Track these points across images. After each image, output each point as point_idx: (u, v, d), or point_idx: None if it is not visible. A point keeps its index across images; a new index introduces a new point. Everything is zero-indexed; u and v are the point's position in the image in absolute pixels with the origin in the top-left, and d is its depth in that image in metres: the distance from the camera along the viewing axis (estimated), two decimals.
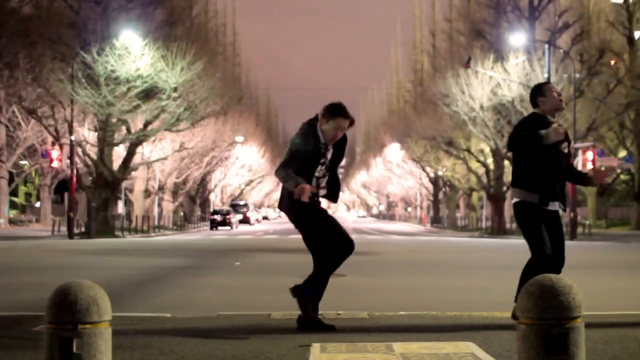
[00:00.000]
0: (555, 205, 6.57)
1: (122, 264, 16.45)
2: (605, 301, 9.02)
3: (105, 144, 36.66)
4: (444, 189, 70.61)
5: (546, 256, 6.51)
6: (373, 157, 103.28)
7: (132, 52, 34.94)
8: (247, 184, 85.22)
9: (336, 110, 6.46)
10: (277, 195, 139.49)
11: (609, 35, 44.15)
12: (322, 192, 6.59)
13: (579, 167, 34.87)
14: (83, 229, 37.48)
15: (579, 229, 37.21)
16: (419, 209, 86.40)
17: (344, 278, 12.43)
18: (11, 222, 52.63)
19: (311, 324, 6.44)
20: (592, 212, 55.68)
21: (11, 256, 19.42)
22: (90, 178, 40.51)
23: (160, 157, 44.59)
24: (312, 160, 6.45)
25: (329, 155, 6.56)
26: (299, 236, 6.65)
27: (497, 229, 42.43)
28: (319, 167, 6.50)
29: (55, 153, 34.37)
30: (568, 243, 25.85)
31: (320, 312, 7.67)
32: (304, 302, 6.47)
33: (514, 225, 45.73)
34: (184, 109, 36.65)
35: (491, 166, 45.01)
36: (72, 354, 4.11)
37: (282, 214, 6.89)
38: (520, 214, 6.64)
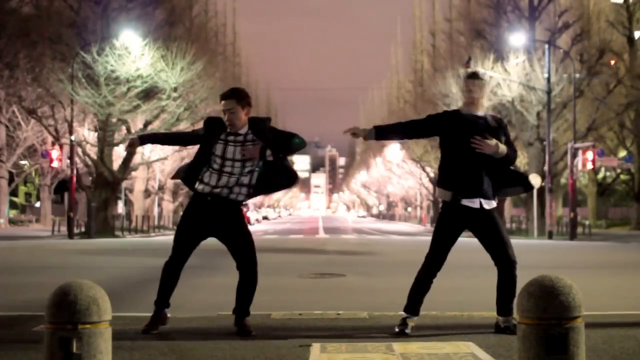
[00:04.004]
0: (475, 202, 6.29)
1: (122, 264, 16.44)
2: (605, 301, 9.01)
3: (105, 144, 36.65)
4: None
5: (430, 261, 6.35)
6: (373, 157, 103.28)
7: (132, 52, 34.93)
8: None
9: (219, 99, 6.51)
10: (277, 195, 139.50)
11: (609, 35, 44.11)
12: (241, 190, 6.38)
13: (579, 167, 34.86)
14: (83, 229, 37.48)
15: (579, 229, 37.20)
16: (419, 209, 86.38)
17: (344, 278, 12.42)
18: (11, 222, 52.63)
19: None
20: (592, 212, 55.67)
21: (11, 256, 19.42)
22: (90, 178, 40.51)
23: (160, 157, 44.59)
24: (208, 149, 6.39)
25: (240, 139, 6.35)
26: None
27: None
28: (228, 150, 6.32)
29: (55, 153, 34.36)
30: (568, 243, 25.69)
31: (320, 312, 7.68)
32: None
33: (514, 224, 45.74)
34: (184, 109, 36.66)
35: None
36: (72, 354, 4.11)
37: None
38: (439, 213, 6.50)
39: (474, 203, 6.30)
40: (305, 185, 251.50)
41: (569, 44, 41.03)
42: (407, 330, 6.24)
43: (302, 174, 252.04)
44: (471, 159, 6.29)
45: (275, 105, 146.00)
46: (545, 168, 36.42)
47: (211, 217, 6.35)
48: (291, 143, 6.33)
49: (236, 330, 6.33)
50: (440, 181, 6.46)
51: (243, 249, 6.37)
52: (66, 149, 34.47)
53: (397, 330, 6.27)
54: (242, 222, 6.43)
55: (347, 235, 41.14)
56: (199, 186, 6.38)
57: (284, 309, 7.89)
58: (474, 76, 6.53)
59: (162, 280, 6.47)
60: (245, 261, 6.38)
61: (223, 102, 6.36)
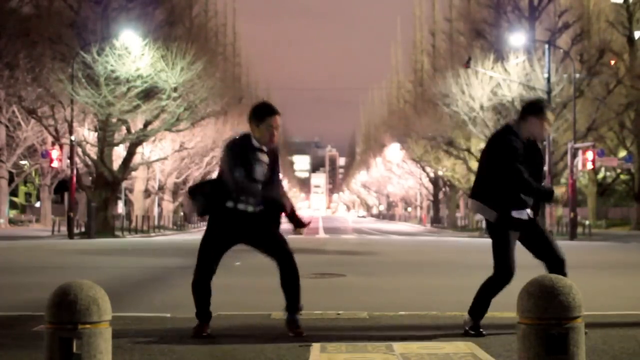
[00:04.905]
0: (523, 214, 6.31)
1: (122, 264, 16.44)
2: (605, 301, 9.01)
3: (105, 144, 36.64)
4: (444, 189, 70.59)
5: (510, 273, 6.26)
6: (373, 157, 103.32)
7: (132, 52, 34.91)
8: None
9: (263, 112, 6.23)
10: None
11: (609, 35, 44.14)
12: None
13: (579, 167, 34.87)
14: (83, 229, 37.45)
15: (579, 229, 37.18)
16: (419, 209, 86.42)
17: (344, 278, 12.43)
18: (11, 222, 52.63)
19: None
20: (592, 212, 55.65)
21: (11, 256, 19.41)
22: (90, 178, 40.51)
23: (160, 157, 44.58)
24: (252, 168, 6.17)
25: (266, 159, 6.24)
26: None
27: None
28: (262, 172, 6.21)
29: (55, 153, 34.34)
30: (568, 243, 25.68)
31: (320, 312, 7.68)
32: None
33: None
34: (184, 109, 36.64)
35: None
36: (72, 354, 4.11)
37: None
38: (490, 230, 6.41)
39: (523, 215, 6.33)
40: (305, 185, 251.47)
41: (569, 44, 41.05)
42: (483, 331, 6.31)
43: (302, 174, 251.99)
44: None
45: (275, 105, 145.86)
46: (545, 168, 36.37)
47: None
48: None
49: (288, 331, 6.19)
50: (486, 199, 6.37)
51: (278, 243, 6.34)
52: (66, 149, 34.44)
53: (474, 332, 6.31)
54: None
55: (347, 235, 41.14)
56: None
57: None
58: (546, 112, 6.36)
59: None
60: (283, 254, 6.32)
61: (277, 116, 6.25)
